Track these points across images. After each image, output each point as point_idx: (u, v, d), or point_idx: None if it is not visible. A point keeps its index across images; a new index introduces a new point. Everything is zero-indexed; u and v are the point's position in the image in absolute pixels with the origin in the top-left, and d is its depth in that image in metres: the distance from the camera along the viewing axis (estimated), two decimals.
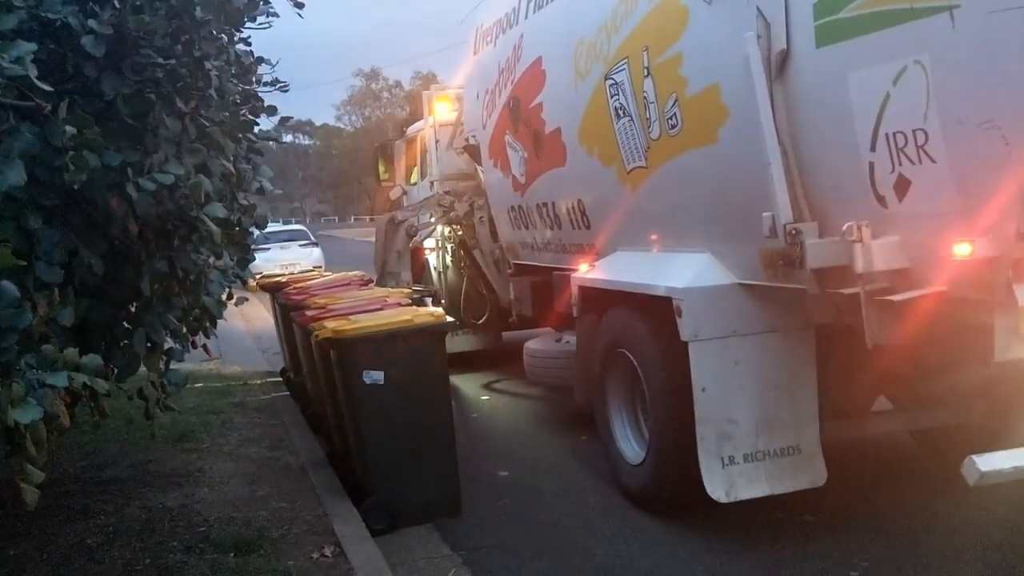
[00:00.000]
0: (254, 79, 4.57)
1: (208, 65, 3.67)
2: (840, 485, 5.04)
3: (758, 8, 4.26)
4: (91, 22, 3.15)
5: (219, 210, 3.60)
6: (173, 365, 4.33)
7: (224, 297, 4.87)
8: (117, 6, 3.21)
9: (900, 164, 3.63)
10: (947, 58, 3.33)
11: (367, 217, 64.11)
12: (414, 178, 11.93)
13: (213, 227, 3.57)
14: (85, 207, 3.34)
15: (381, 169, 13.04)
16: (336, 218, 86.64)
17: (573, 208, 6.91)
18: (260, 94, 4.54)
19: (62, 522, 5.25)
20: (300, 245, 25.81)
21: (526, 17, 7.46)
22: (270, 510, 5.45)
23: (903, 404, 5.82)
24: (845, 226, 3.80)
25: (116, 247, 3.57)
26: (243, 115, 4.32)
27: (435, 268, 10.77)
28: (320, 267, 21.65)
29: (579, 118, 6.45)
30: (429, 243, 10.90)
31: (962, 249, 3.40)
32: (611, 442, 5.97)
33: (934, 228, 3.57)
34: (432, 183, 10.58)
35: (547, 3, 7.06)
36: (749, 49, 4.23)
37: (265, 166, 4.88)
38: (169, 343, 4.37)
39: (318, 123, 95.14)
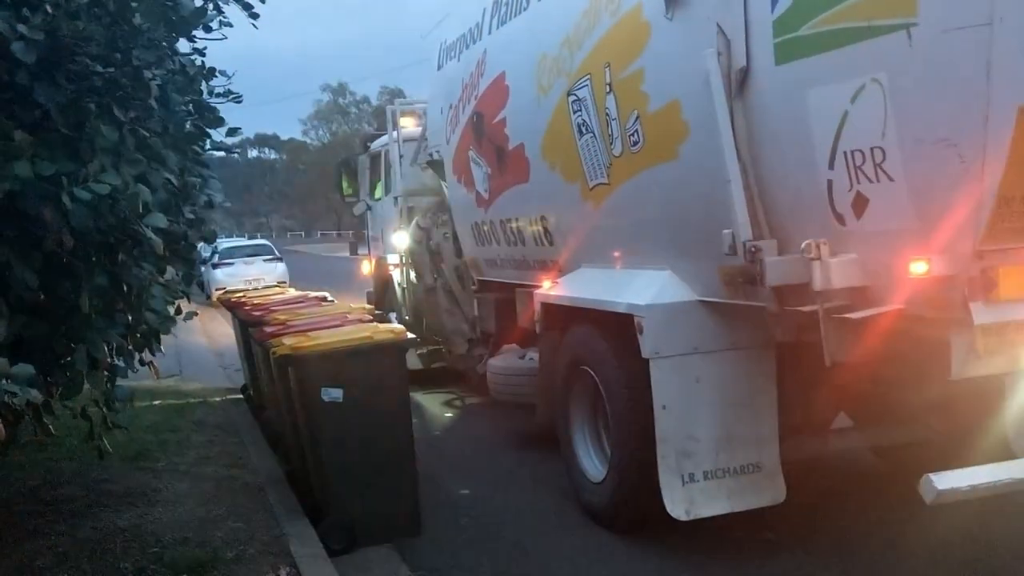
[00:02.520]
0: (205, 90, 4.48)
1: (148, 74, 3.58)
2: (801, 502, 5.04)
3: (718, 25, 4.26)
4: (21, 27, 3.06)
5: (160, 220, 3.49)
6: (120, 381, 4.24)
7: (172, 312, 4.76)
8: (50, 11, 3.13)
9: (858, 182, 3.63)
10: (904, 76, 3.34)
11: (334, 232, 63.88)
12: (378, 193, 11.85)
13: (155, 238, 3.46)
14: (18, 219, 3.24)
15: (345, 184, 12.94)
16: (302, 233, 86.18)
17: (536, 224, 6.88)
18: (213, 105, 4.47)
19: (12, 542, 5.10)
20: (264, 260, 25.57)
21: (489, 32, 7.44)
22: (226, 530, 5.32)
23: (864, 421, 5.85)
24: (803, 244, 3.80)
25: (53, 261, 3.47)
26: (188, 126, 4.19)
27: (399, 284, 10.69)
28: (285, 283, 21.50)
29: (542, 134, 6.43)
30: (393, 259, 10.84)
31: (918, 267, 3.40)
32: (573, 459, 5.93)
33: (891, 246, 3.57)
34: (396, 198, 10.52)
35: (511, 18, 7.04)
36: (709, 66, 4.23)
37: (214, 178, 4.81)
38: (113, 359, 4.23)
39: (284, 137, 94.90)
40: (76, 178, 3.15)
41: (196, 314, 5.42)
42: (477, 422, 8.85)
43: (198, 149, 4.54)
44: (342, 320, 6.09)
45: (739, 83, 4.20)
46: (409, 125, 10.74)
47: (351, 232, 40.79)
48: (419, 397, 9.38)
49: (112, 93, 3.44)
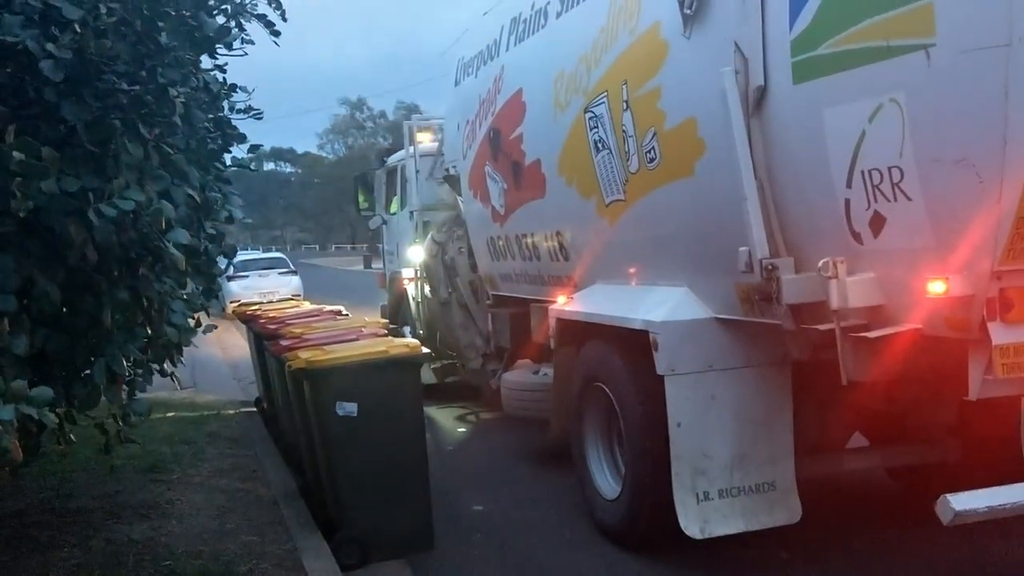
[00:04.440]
0: (227, 106, 4.51)
1: (173, 92, 3.60)
2: (816, 522, 4.99)
3: (736, 44, 4.28)
4: (50, 46, 3.09)
5: (183, 236, 3.50)
6: (139, 395, 4.26)
7: (192, 324, 4.74)
8: (79, 30, 3.15)
9: (876, 201, 3.64)
10: (922, 96, 3.35)
11: (348, 246, 64.05)
12: (394, 207, 11.91)
13: (176, 254, 3.48)
14: (43, 234, 3.26)
15: (361, 199, 13.03)
16: (317, 246, 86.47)
17: (552, 240, 6.89)
18: (234, 121, 4.52)
19: (25, 554, 5.12)
20: (279, 273, 25.55)
21: (507, 49, 7.49)
22: (239, 543, 5.33)
23: (879, 441, 5.83)
24: (821, 262, 3.80)
25: (76, 275, 3.50)
26: (211, 143, 4.21)
27: (413, 298, 10.72)
28: (299, 296, 21.55)
29: (558, 150, 6.46)
30: (407, 273, 10.87)
31: (936, 287, 3.40)
32: (587, 476, 5.92)
33: (909, 265, 3.57)
34: (412, 212, 10.57)
35: (528, 36, 7.08)
36: (726, 84, 4.25)
37: (235, 194, 4.82)
38: (132, 373, 4.25)
39: (300, 151, 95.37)
40: (101, 194, 3.17)
41: (215, 327, 5.44)
42: (491, 437, 8.83)
43: (220, 166, 4.56)
44: (357, 334, 6.08)
45: (756, 101, 4.22)
46: (425, 140, 10.80)
47: (365, 246, 40.86)
48: (432, 411, 9.36)
49: (137, 110, 3.46)
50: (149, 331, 4.15)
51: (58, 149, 3.05)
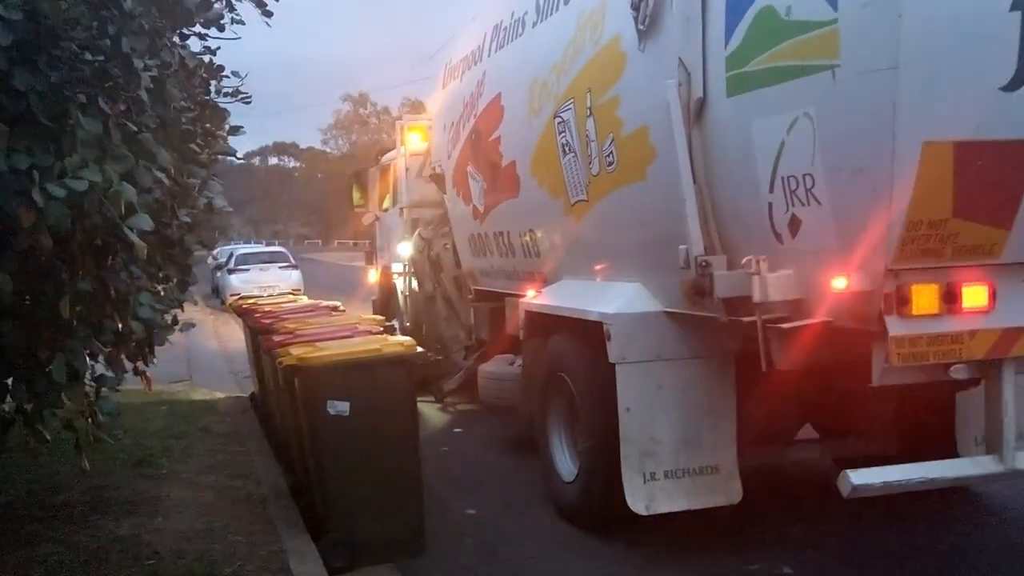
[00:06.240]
0: (213, 88, 4.41)
1: (139, 63, 3.28)
2: (822, 536, 5.28)
3: (680, 59, 4.65)
4: None
5: (145, 222, 3.19)
6: (107, 392, 4.00)
7: (169, 321, 4.60)
8: None
9: (793, 205, 4.02)
10: (829, 111, 3.74)
11: (351, 241, 64.31)
12: (386, 204, 12.29)
13: (137, 241, 3.17)
14: None
15: (356, 196, 13.40)
16: (320, 241, 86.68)
17: (525, 237, 7.27)
18: (220, 104, 4.42)
19: (6, 549, 4.96)
20: (280, 267, 25.75)
21: (489, 55, 7.86)
22: (225, 543, 5.14)
23: (827, 433, 6.20)
24: (744, 259, 4.18)
25: (33, 264, 3.28)
26: (186, 124, 4.02)
27: (402, 292, 11.08)
28: (299, 290, 21.74)
29: (531, 152, 6.83)
30: (397, 268, 11.24)
31: (839, 283, 3.78)
32: (549, 461, 6.27)
33: (820, 263, 3.95)
34: (402, 209, 10.94)
35: (508, 42, 7.46)
36: (669, 96, 4.63)
37: (214, 180, 4.63)
38: (102, 369, 4.03)
39: (304, 146, 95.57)
40: (52, 173, 2.91)
41: (194, 325, 5.23)
42: (486, 438, 8.57)
43: (195, 147, 4.28)
44: (352, 331, 5.98)
45: (697, 112, 4.60)
46: (416, 140, 11.15)
47: (367, 242, 40.98)
48: (426, 409, 9.24)
49: (101, 83, 3.20)
50: (120, 325, 3.90)
51: (13, 125, 2.87)
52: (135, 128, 3.39)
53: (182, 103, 4.02)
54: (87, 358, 3.67)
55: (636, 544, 5.36)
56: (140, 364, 4.63)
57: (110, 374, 4.05)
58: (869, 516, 5.43)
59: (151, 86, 3.41)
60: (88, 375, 3.91)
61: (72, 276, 3.42)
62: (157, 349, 4.72)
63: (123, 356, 4.29)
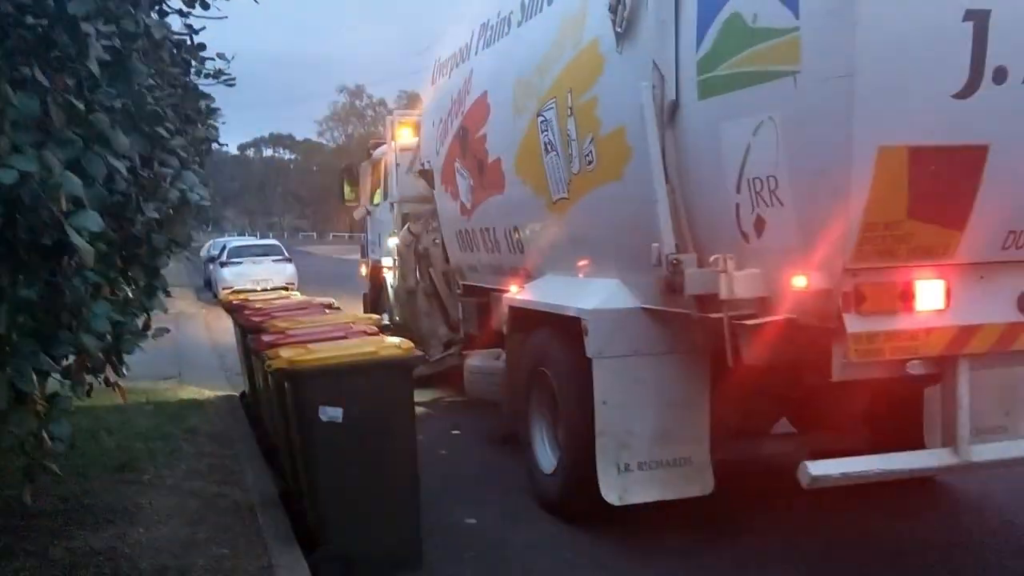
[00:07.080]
0: (194, 70, 4.17)
1: (87, 28, 2.78)
2: (837, 548, 5.35)
3: (654, 62, 4.79)
4: None
5: (91, 220, 2.72)
6: (61, 414, 3.36)
7: (140, 326, 4.24)
8: None
9: (758, 205, 4.16)
10: (791, 115, 3.89)
11: (346, 234, 64.41)
12: (377, 199, 12.41)
13: (79, 242, 2.68)
14: None
15: (347, 190, 13.54)
16: (314, 234, 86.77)
17: (509, 233, 7.41)
18: (201, 88, 4.23)
19: None
20: (273, 260, 25.63)
21: (476, 53, 7.99)
22: (209, 557, 4.86)
23: (802, 428, 6.36)
24: (712, 258, 4.32)
25: None
26: (152, 104, 3.55)
27: (391, 286, 11.21)
28: (293, 284, 21.78)
29: (516, 150, 6.97)
30: (387, 262, 11.36)
31: (799, 281, 3.94)
32: (531, 454, 6.41)
33: (783, 262, 4.10)
34: (392, 204, 11.06)
35: (495, 41, 7.58)
36: (643, 98, 4.77)
37: (190, 171, 4.21)
38: (58, 385, 3.51)
39: (299, 138, 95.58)
40: None
41: (167, 331, 4.83)
42: (483, 442, 8.36)
43: (164, 131, 3.78)
44: (345, 331, 5.67)
45: (670, 114, 4.75)
46: (406, 135, 11.28)
47: (363, 235, 41.02)
48: (424, 410, 9.02)
49: (47, 52, 2.76)
50: (83, 339, 3.33)
51: None
52: (81, 107, 2.87)
53: (149, 81, 3.59)
54: (36, 377, 3.13)
55: (651, 555, 5.29)
56: (111, 374, 4.26)
57: (67, 393, 3.51)
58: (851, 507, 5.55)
59: (106, 57, 2.96)
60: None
61: (12, 282, 2.92)
62: (147, 344, 4.47)
63: (85, 370, 3.82)
